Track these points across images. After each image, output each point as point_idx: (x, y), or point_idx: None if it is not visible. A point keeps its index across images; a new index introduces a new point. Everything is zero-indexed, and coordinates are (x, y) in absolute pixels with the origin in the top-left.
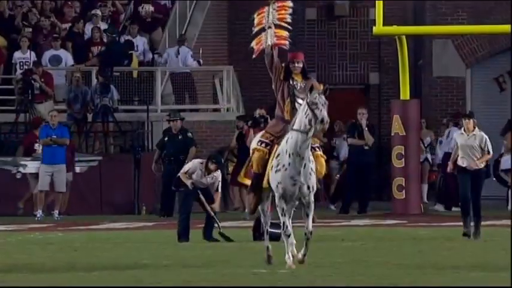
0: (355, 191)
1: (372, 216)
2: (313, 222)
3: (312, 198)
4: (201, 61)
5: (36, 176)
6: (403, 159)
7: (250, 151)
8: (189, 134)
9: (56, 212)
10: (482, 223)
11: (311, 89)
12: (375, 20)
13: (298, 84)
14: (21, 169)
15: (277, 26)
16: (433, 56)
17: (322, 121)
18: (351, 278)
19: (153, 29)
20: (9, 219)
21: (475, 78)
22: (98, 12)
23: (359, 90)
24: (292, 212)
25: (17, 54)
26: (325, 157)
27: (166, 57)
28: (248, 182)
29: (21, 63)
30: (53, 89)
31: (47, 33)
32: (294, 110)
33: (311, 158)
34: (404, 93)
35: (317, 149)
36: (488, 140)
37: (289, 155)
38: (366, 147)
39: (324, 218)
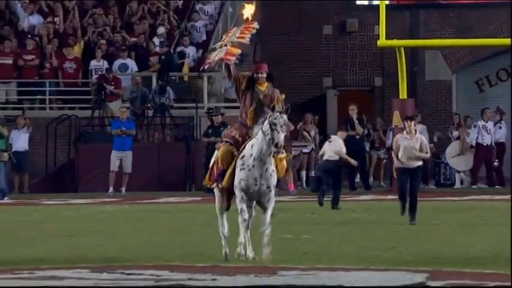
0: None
1: (376, 193)
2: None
3: (272, 195)
4: None
5: None
6: None
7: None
8: (228, 126)
9: (123, 189)
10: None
11: (273, 108)
12: (379, 34)
13: (262, 92)
14: None
15: (233, 44)
16: (425, 64)
17: (276, 145)
18: (358, 244)
19: None
20: (87, 195)
21: (459, 82)
22: (163, 29)
23: (366, 91)
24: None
25: (93, 62)
26: (288, 156)
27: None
28: (213, 185)
29: (96, 70)
30: (121, 90)
31: (118, 46)
32: (257, 117)
33: (272, 161)
34: (403, 93)
35: (282, 152)
36: (426, 142)
37: (254, 158)
38: (357, 137)
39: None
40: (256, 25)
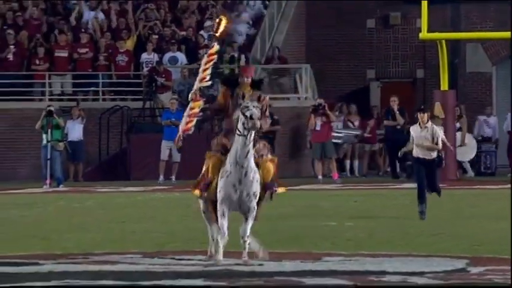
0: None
1: None
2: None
3: (254, 205)
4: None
5: None
6: (443, 136)
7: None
8: (275, 117)
9: (173, 177)
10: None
11: (243, 96)
12: (420, 27)
13: (246, 95)
14: None
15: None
16: (466, 56)
17: (251, 117)
18: (400, 230)
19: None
20: (138, 183)
21: (499, 73)
22: (209, 22)
23: (408, 83)
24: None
25: (144, 55)
26: (275, 160)
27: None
28: (199, 194)
29: (147, 62)
30: (171, 83)
31: (168, 39)
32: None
33: (253, 166)
34: (444, 85)
35: (264, 156)
36: (438, 132)
37: (230, 164)
38: (398, 127)
39: (382, 182)
40: (216, 48)
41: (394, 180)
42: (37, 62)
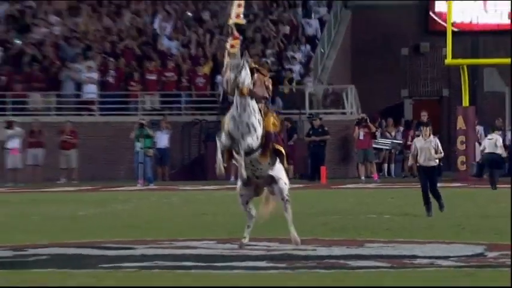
0: None
1: (445, 181)
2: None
3: (255, 138)
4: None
5: None
6: (465, 145)
7: None
8: (326, 128)
9: None
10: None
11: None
12: (446, 55)
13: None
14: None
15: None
16: (484, 78)
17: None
18: (430, 222)
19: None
20: (214, 182)
21: None
22: (272, 51)
23: (435, 100)
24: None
25: (219, 77)
26: (277, 123)
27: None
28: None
29: (221, 83)
30: None
31: None
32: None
33: (254, 105)
34: (465, 102)
35: (273, 112)
36: (439, 143)
37: (236, 105)
38: None
39: (414, 182)
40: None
41: None
42: (132, 83)
